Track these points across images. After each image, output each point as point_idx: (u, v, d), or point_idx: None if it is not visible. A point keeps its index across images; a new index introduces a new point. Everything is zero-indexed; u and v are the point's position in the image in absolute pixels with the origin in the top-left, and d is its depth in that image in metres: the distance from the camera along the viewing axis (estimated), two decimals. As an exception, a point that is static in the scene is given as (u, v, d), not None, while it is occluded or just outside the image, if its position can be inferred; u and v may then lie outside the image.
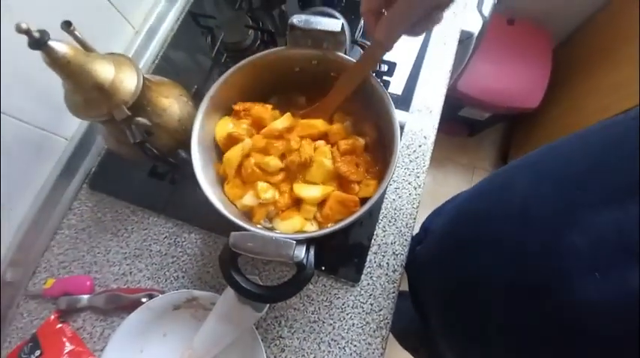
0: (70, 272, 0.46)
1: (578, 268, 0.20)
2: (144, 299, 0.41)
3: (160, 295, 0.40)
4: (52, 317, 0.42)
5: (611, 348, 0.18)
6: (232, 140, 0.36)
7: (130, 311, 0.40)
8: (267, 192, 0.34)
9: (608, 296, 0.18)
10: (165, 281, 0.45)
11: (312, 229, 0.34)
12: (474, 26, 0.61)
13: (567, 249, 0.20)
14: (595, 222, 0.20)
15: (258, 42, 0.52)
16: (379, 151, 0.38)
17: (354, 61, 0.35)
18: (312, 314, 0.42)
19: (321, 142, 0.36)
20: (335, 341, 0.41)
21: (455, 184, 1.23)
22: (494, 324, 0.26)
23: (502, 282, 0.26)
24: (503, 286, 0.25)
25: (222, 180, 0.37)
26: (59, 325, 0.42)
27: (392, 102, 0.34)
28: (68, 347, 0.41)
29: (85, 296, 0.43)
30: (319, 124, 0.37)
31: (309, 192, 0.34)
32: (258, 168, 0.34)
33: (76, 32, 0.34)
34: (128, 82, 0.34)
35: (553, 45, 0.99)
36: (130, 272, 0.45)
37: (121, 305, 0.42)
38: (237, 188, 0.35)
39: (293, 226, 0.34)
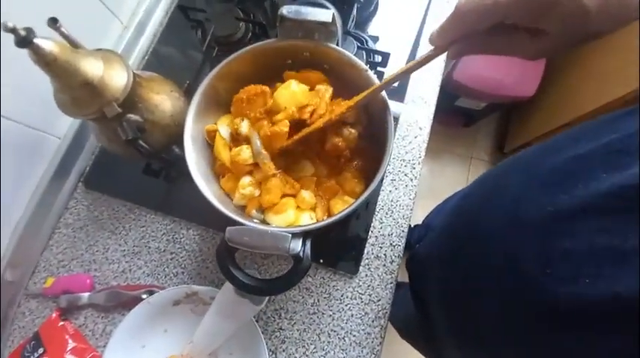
0: (70, 270, 0.46)
1: (570, 274, 0.20)
2: (144, 296, 0.42)
3: (160, 291, 0.41)
4: (54, 315, 0.43)
5: (598, 347, 0.19)
6: (212, 134, 0.36)
7: (130, 307, 0.40)
8: (245, 188, 0.34)
9: (596, 301, 0.18)
10: (165, 277, 0.45)
11: (308, 222, 0.34)
12: (469, 14, 0.60)
13: (560, 255, 0.21)
14: (585, 228, 0.20)
15: (250, 35, 0.51)
16: (373, 142, 0.38)
17: (346, 52, 0.35)
18: (312, 306, 0.43)
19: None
20: (334, 331, 0.42)
21: (452, 175, 1.23)
22: (488, 323, 0.27)
23: (493, 282, 0.26)
24: (495, 286, 0.26)
25: (217, 175, 0.37)
26: (61, 323, 0.42)
27: (385, 93, 0.34)
28: (71, 344, 0.41)
29: (86, 294, 0.43)
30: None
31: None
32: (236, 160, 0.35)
33: (63, 29, 0.33)
34: (118, 79, 0.33)
35: (549, 32, 0.98)
36: (130, 270, 0.45)
37: (121, 302, 0.43)
38: (231, 181, 0.35)
39: (286, 220, 0.34)
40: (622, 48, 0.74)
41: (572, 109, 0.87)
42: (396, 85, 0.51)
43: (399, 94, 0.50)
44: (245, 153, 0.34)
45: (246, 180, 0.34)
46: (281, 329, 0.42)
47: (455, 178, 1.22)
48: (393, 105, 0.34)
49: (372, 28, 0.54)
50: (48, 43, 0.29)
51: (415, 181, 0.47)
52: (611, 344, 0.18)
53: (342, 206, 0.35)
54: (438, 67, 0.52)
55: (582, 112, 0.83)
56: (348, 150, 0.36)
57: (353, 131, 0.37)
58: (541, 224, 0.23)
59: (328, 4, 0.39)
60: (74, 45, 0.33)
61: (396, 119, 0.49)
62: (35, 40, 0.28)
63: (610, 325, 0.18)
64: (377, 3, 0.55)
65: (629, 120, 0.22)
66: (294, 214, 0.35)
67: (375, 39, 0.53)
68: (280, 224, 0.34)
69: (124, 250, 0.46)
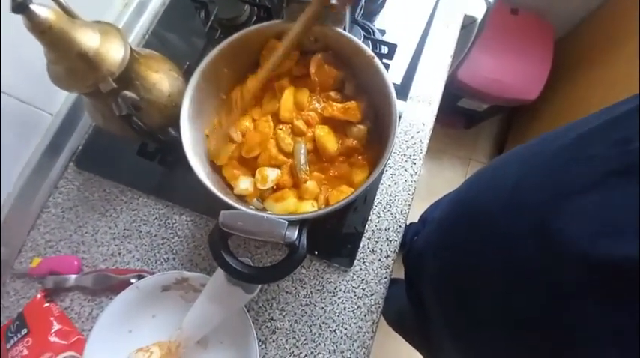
0: (57, 251, 0.45)
1: (565, 253, 0.20)
2: (133, 280, 0.41)
3: (150, 276, 0.40)
4: (39, 296, 0.41)
5: (597, 325, 0.19)
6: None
7: (118, 291, 0.39)
8: (263, 173, 0.34)
9: (593, 279, 0.18)
10: (155, 262, 0.44)
11: (309, 210, 0.33)
12: (478, 12, 0.59)
13: (554, 235, 0.21)
14: (578, 209, 0.20)
15: (254, 19, 0.50)
16: (376, 135, 0.37)
17: (353, 37, 0.34)
18: (304, 297, 0.42)
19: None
20: (326, 324, 0.41)
21: (450, 176, 1.23)
22: (485, 310, 0.26)
23: (492, 268, 0.26)
24: (491, 271, 0.26)
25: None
26: (46, 304, 0.41)
27: (391, 84, 0.33)
28: (56, 326, 0.40)
29: (73, 276, 0.42)
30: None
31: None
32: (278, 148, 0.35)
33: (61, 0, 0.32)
34: (115, 52, 0.32)
35: (555, 38, 0.97)
36: (119, 253, 0.44)
37: (109, 285, 0.42)
38: (235, 169, 0.34)
39: (286, 208, 0.33)
40: (627, 57, 0.74)
41: (575, 115, 0.86)
42: (399, 83, 0.50)
43: (403, 92, 0.50)
44: (288, 139, 0.35)
45: (270, 171, 0.34)
46: (272, 319, 0.42)
47: (453, 180, 1.22)
48: (397, 103, 0.33)
49: (380, 22, 0.53)
50: (44, 9, 0.28)
51: (415, 177, 0.46)
52: (610, 320, 0.18)
53: (342, 197, 0.34)
54: (445, 60, 0.51)
55: (584, 119, 0.82)
56: (361, 146, 0.36)
57: (362, 127, 0.36)
58: (538, 205, 0.23)
59: (337, -11, 0.38)
60: (71, 16, 0.32)
61: (400, 115, 0.49)
62: (31, 6, 0.27)
63: (610, 300, 0.18)
64: (385, -5, 0.54)
65: (628, 103, 0.22)
66: (294, 204, 0.34)
67: (382, 32, 0.52)
68: (279, 212, 0.33)
69: (114, 233, 0.45)
